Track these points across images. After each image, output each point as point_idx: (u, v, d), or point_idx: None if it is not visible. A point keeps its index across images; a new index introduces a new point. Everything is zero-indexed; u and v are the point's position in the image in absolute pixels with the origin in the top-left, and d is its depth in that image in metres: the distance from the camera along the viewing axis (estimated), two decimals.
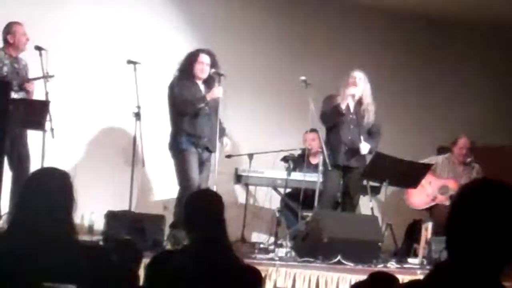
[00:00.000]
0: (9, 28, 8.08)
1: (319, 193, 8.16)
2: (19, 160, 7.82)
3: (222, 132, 8.16)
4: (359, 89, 8.26)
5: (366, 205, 8.49)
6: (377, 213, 8.17)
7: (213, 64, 8.11)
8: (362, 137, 8.24)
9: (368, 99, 8.30)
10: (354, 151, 8.28)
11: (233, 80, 8.31)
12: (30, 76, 8.09)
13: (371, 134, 8.41)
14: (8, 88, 7.19)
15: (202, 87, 8.15)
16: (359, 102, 8.33)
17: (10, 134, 7.54)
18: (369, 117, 8.32)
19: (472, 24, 10.82)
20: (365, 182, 8.40)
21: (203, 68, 8.09)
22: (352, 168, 8.30)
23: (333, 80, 8.51)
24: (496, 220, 2.23)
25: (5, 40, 8.09)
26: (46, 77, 7.93)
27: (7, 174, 7.65)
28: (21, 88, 7.95)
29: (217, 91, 8.00)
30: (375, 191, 8.70)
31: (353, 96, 8.27)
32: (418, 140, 10.25)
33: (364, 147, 8.23)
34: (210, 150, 8.10)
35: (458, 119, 10.52)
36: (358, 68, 8.36)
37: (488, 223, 2.23)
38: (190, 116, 7.99)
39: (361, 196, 8.60)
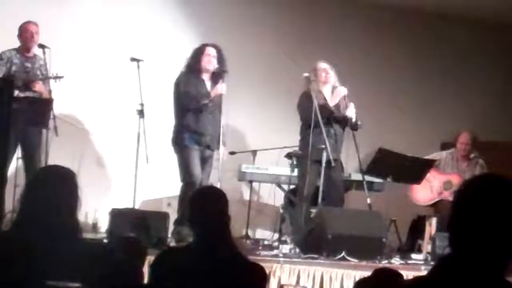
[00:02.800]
0: (19, 28, 8.15)
1: (297, 187, 8.17)
2: (32, 155, 7.91)
3: (223, 142, 8.13)
4: (334, 80, 8.27)
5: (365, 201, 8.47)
6: (381, 209, 8.15)
7: (220, 57, 8.12)
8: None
9: (340, 88, 8.25)
10: (338, 144, 8.26)
11: (236, 77, 8.32)
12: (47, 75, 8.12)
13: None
14: (12, 86, 7.20)
15: (208, 83, 8.15)
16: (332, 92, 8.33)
17: (22, 129, 7.64)
18: (346, 106, 8.27)
19: (476, 20, 10.80)
20: (360, 177, 8.39)
21: (210, 60, 8.10)
22: (336, 160, 8.24)
23: (336, 75, 8.48)
24: (498, 215, 2.22)
25: (19, 40, 8.17)
26: (55, 77, 7.96)
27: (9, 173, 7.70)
28: (27, 87, 7.96)
29: (220, 88, 8.02)
30: (379, 187, 8.70)
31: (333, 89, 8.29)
32: (422, 136, 10.25)
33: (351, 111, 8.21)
34: (211, 149, 8.11)
35: (462, 114, 10.51)
36: (322, 60, 8.33)
37: (490, 218, 2.22)
38: (194, 112, 8.00)
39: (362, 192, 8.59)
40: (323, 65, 8.31)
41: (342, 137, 8.32)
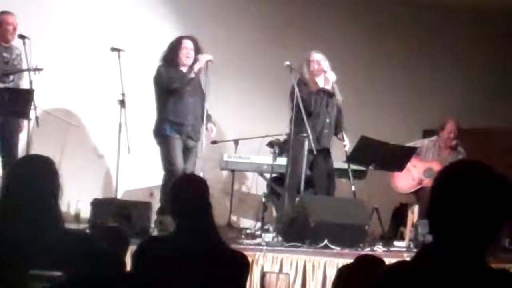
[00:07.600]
0: None
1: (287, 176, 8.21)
2: (10, 147, 7.86)
3: (208, 118, 8.14)
4: (327, 69, 8.31)
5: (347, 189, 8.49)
6: (363, 197, 8.17)
7: (197, 49, 8.12)
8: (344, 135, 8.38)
9: (329, 74, 8.30)
10: (331, 134, 8.32)
11: (217, 66, 8.30)
12: (23, 65, 8.04)
13: (338, 118, 8.43)
14: None
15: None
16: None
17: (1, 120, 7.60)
18: (336, 93, 8.36)
19: (456, 7, 10.82)
20: (346, 165, 8.42)
21: (188, 53, 8.10)
22: (327, 150, 8.31)
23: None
24: (476, 200, 2.22)
25: None
26: (34, 70, 7.90)
27: None
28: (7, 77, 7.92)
29: (203, 57, 8.00)
30: (361, 175, 8.71)
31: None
32: (404, 123, 10.27)
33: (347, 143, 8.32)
34: (194, 139, 8.11)
35: (444, 102, 10.53)
36: (315, 51, 8.37)
37: (468, 203, 2.23)
38: (173, 102, 7.98)
39: (345, 180, 8.60)
40: (316, 56, 8.32)
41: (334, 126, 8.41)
